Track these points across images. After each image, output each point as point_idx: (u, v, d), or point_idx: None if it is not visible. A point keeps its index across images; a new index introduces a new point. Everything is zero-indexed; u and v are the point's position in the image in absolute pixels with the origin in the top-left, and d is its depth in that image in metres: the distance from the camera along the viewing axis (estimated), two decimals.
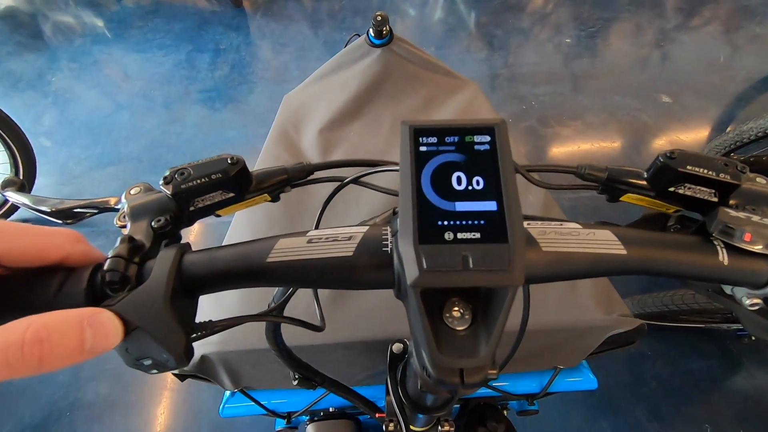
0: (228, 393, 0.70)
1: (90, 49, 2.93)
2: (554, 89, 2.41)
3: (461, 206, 0.21)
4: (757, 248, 0.24)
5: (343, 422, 0.71)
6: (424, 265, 0.20)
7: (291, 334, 0.53)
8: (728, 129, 1.79)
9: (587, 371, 0.72)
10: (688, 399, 1.32)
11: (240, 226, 0.74)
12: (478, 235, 0.20)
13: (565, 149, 2.11)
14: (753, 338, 1.39)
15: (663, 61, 2.60)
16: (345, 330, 0.57)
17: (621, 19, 2.97)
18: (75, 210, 0.33)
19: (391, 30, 0.96)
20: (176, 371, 0.59)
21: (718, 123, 2.16)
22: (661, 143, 2.08)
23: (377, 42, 0.97)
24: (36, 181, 1.91)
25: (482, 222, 0.20)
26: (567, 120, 2.22)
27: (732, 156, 1.68)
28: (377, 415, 0.60)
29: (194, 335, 0.25)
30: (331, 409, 0.73)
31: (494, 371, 0.20)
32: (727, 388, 1.34)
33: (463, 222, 0.21)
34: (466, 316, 0.21)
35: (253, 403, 0.68)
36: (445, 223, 0.21)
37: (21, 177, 1.77)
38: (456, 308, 0.22)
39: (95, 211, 0.32)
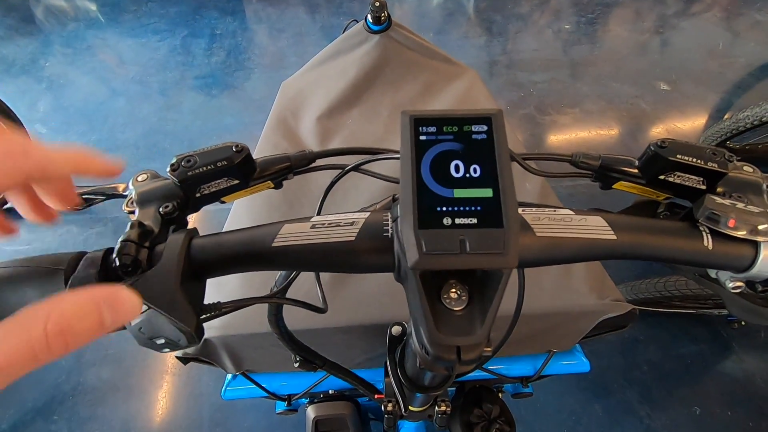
0: (230, 376, 0.71)
1: (83, 34, 2.89)
2: (553, 76, 2.40)
3: (459, 193, 0.22)
4: (740, 234, 0.25)
5: (343, 404, 0.72)
6: (424, 249, 0.21)
7: (292, 318, 0.54)
8: (725, 117, 1.79)
9: (580, 354, 0.74)
10: (679, 382, 1.35)
11: (240, 211, 0.75)
12: (474, 221, 0.21)
13: (562, 137, 2.11)
14: (743, 323, 1.42)
15: (662, 48, 2.59)
16: (344, 314, 0.58)
17: (621, 5, 2.94)
18: (84, 196, 0.33)
19: (389, 16, 0.96)
20: (179, 354, 0.61)
21: (715, 111, 2.17)
22: (658, 131, 2.09)
23: (375, 28, 0.96)
24: None
25: (479, 208, 0.21)
26: (565, 108, 2.22)
27: (728, 144, 1.69)
28: (376, 396, 0.62)
29: (204, 316, 0.26)
30: (330, 392, 0.75)
31: (489, 349, 0.22)
32: (716, 371, 1.37)
33: (461, 208, 0.22)
34: (463, 297, 0.23)
35: (254, 385, 0.70)
36: (444, 209, 0.22)
37: None
38: (453, 290, 0.23)
39: (103, 197, 0.33)
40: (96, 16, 3.07)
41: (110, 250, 0.25)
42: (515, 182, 0.22)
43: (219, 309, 0.27)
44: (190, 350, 0.59)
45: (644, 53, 2.55)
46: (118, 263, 0.23)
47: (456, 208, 0.21)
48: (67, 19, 3.04)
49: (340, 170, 0.39)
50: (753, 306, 0.27)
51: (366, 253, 0.25)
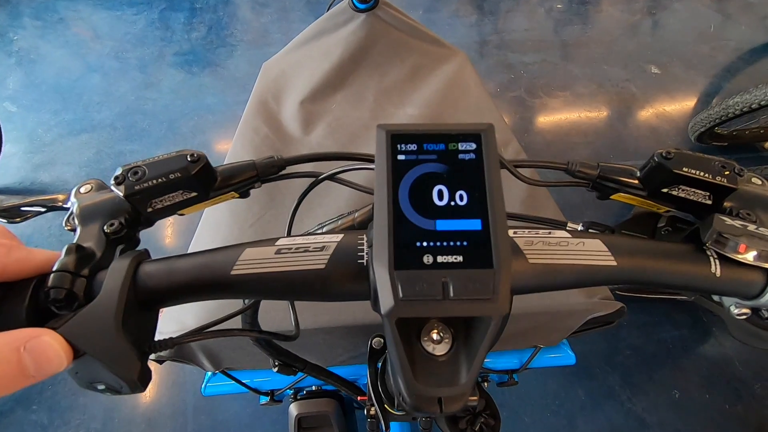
0: (209, 372, 0.69)
1: (54, 5, 2.73)
2: (543, 57, 2.35)
3: (442, 225, 0.19)
4: (750, 259, 0.23)
5: (326, 400, 0.71)
6: (400, 294, 0.18)
7: (270, 321, 0.52)
8: (713, 102, 1.78)
9: (566, 348, 0.73)
10: (660, 366, 1.38)
11: (214, 208, 0.70)
12: (460, 259, 0.18)
13: (552, 120, 2.09)
14: None
15: (654, 30, 2.56)
16: (326, 315, 0.56)
17: None
18: (21, 209, 0.30)
19: None
20: (153, 357, 0.58)
21: (704, 95, 2.16)
22: (647, 115, 2.08)
23: (362, 6, 0.92)
24: (3, 149, 1.82)
25: (465, 243, 0.19)
26: (555, 90, 2.18)
27: (716, 130, 1.68)
28: (359, 398, 0.61)
29: (152, 354, 0.23)
30: (313, 388, 0.74)
31: (474, 398, 0.19)
32: (696, 355, 1.40)
33: (444, 243, 0.19)
34: (446, 340, 0.20)
35: (235, 382, 0.68)
36: (425, 244, 0.19)
37: None
38: (435, 330, 0.20)
39: (43, 209, 0.29)
40: None
41: (42, 279, 0.21)
42: (505, 186, 0.20)
43: (171, 346, 0.24)
44: (164, 352, 0.57)
45: (636, 35, 2.52)
46: (50, 297, 0.20)
47: (438, 244, 0.19)
48: None
49: (313, 178, 0.35)
50: (758, 331, 0.25)
51: (338, 282, 0.22)
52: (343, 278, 0.22)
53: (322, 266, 0.22)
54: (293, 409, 0.70)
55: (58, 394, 1.34)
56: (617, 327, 1.45)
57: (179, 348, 0.57)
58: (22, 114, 2.10)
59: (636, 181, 0.31)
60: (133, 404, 1.33)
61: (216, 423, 1.28)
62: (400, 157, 0.20)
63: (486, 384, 0.79)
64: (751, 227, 0.24)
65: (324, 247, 0.22)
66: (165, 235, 1.64)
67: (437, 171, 0.20)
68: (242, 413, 1.29)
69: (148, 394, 1.34)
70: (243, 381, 0.69)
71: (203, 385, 0.72)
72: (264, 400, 0.74)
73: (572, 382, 1.35)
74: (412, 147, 0.20)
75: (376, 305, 0.22)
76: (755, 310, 0.26)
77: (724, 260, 0.24)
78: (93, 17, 2.66)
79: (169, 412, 1.31)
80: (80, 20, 2.65)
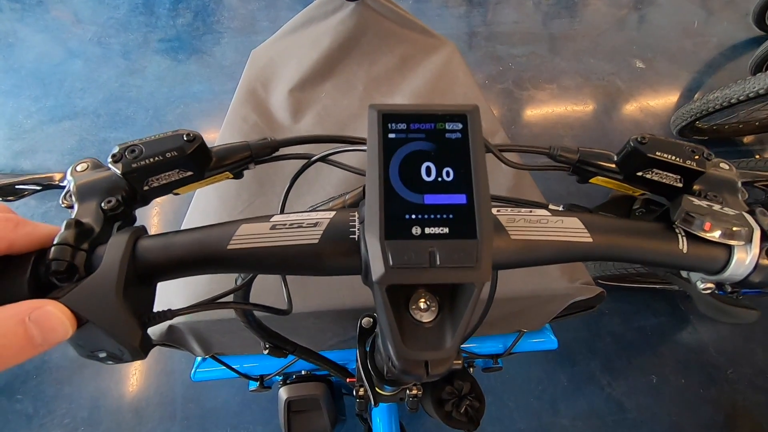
0: (199, 358, 0.70)
1: None
2: (532, 50, 2.37)
3: (430, 199, 0.20)
4: (715, 237, 0.25)
5: (315, 384, 0.72)
6: (390, 262, 0.19)
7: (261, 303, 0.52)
8: (695, 97, 1.83)
9: (549, 333, 0.76)
10: (639, 352, 1.43)
11: (202, 200, 0.71)
12: (446, 230, 0.20)
13: (539, 112, 2.11)
14: None
15: (639, 24, 2.60)
16: (316, 299, 0.57)
17: None
18: (16, 186, 0.30)
19: None
20: None
21: (686, 90, 2.20)
22: (631, 109, 2.12)
23: None
24: None
25: (451, 216, 0.20)
26: (543, 83, 2.20)
27: (697, 124, 1.73)
28: (348, 380, 0.62)
29: (152, 325, 0.24)
30: (303, 372, 0.75)
31: (459, 361, 0.21)
32: (673, 342, 1.45)
33: (432, 216, 0.20)
34: (433, 308, 0.21)
35: (224, 367, 0.69)
36: (413, 216, 0.20)
37: None
38: (423, 299, 0.21)
39: (38, 187, 0.30)
40: None
41: (43, 252, 0.22)
42: (491, 171, 0.21)
43: (170, 317, 0.25)
44: (154, 336, 0.57)
45: (622, 29, 2.55)
46: (51, 269, 0.21)
47: (426, 216, 0.20)
48: None
49: (305, 160, 0.36)
50: (722, 305, 0.27)
51: (331, 256, 0.23)
52: (335, 253, 0.23)
53: (316, 241, 0.23)
54: (283, 393, 0.71)
55: (44, 383, 1.33)
56: (599, 315, 1.49)
57: (169, 332, 0.58)
58: (1, 99, 2.05)
59: (613, 165, 0.33)
60: (121, 393, 1.32)
61: (205, 411, 1.29)
62: (391, 135, 0.21)
63: (472, 369, 0.81)
64: (717, 207, 0.25)
65: (317, 223, 0.23)
66: (151, 224, 1.63)
67: (425, 149, 0.21)
68: (231, 401, 1.30)
69: (136, 382, 1.34)
70: (233, 366, 0.69)
71: (192, 371, 0.73)
72: (253, 385, 0.75)
73: (555, 368, 1.39)
74: (402, 126, 0.22)
75: (367, 278, 0.23)
76: (719, 285, 0.28)
77: (691, 238, 0.26)
78: (74, 0, 2.59)
79: (157, 400, 1.31)
80: (60, 3, 2.58)
